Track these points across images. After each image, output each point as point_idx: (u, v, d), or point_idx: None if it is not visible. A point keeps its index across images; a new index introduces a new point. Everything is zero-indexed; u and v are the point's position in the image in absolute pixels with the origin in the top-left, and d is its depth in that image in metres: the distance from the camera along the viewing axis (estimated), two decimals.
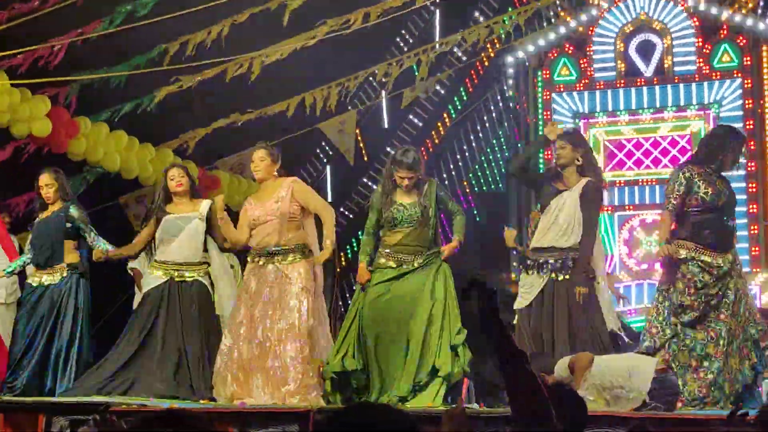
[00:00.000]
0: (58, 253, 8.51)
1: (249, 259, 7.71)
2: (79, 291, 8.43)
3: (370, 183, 13.87)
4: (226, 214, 7.86)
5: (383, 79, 12.85)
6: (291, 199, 7.54)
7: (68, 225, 8.49)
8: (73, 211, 8.51)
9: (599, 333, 7.21)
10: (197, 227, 8.12)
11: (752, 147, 11.85)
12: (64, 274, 8.43)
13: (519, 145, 13.13)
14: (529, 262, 7.47)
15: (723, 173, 7.32)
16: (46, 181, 8.64)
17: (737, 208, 7.60)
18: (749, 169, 11.92)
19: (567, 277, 7.27)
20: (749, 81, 12.22)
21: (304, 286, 7.45)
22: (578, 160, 7.44)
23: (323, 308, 7.76)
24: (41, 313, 8.42)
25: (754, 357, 7.13)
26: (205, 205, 8.14)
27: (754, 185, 11.99)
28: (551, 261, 7.32)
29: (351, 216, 14.16)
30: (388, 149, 13.73)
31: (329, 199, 11.97)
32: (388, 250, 7.39)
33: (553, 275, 7.31)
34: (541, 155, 11.38)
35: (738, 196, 11.72)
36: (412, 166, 7.30)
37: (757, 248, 11.81)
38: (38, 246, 8.55)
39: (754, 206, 11.93)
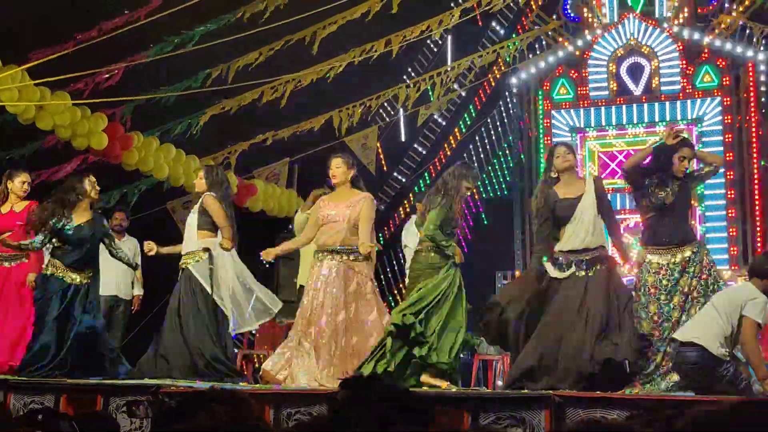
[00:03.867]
0: None
1: (314, 255, 7.85)
2: None
3: (389, 190, 13.84)
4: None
5: (401, 99, 12.75)
6: (359, 210, 7.72)
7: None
8: None
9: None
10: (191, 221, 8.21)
11: (730, 157, 11.83)
12: None
13: (521, 156, 13.05)
14: (561, 261, 7.22)
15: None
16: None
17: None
18: (728, 177, 11.86)
19: (598, 267, 7.11)
20: (728, 99, 12.11)
21: (367, 281, 7.71)
22: (576, 166, 7.44)
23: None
24: None
25: None
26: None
27: (732, 192, 11.91)
28: (585, 259, 7.13)
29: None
30: (406, 161, 13.73)
31: None
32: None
33: (585, 272, 7.11)
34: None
35: (718, 202, 11.90)
36: (477, 176, 7.70)
37: (735, 248, 11.74)
38: None
39: (732, 211, 11.84)
